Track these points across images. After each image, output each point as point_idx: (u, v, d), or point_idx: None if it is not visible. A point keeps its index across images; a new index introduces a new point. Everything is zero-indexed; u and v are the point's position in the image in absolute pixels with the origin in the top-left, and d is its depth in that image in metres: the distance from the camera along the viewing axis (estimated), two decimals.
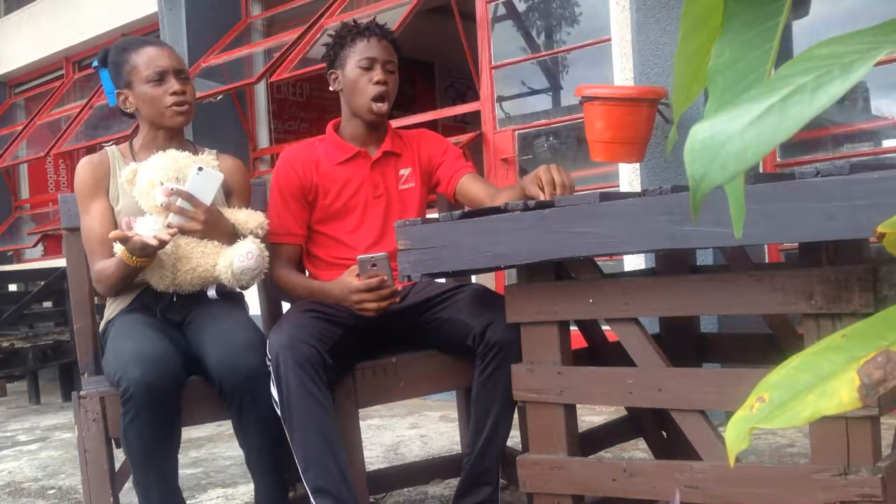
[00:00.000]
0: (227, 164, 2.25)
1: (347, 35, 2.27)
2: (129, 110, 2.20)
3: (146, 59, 2.16)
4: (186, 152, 2.14)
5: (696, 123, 0.53)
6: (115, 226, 2.14)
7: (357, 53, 2.24)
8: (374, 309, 2.06)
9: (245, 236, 2.13)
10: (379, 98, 2.23)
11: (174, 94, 2.14)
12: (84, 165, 2.18)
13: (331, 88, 2.32)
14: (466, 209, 1.92)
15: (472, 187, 2.30)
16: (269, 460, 2.01)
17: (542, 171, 2.04)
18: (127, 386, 1.82)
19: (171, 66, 2.17)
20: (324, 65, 2.34)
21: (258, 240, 2.10)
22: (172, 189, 2.03)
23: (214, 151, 2.29)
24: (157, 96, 2.15)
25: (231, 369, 1.91)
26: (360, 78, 2.23)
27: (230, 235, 2.11)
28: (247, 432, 1.98)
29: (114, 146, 2.25)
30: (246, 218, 2.15)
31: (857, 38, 0.54)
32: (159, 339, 1.93)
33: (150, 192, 2.06)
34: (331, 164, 2.28)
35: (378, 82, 2.21)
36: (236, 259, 2.04)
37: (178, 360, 1.90)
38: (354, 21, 2.33)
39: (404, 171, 2.34)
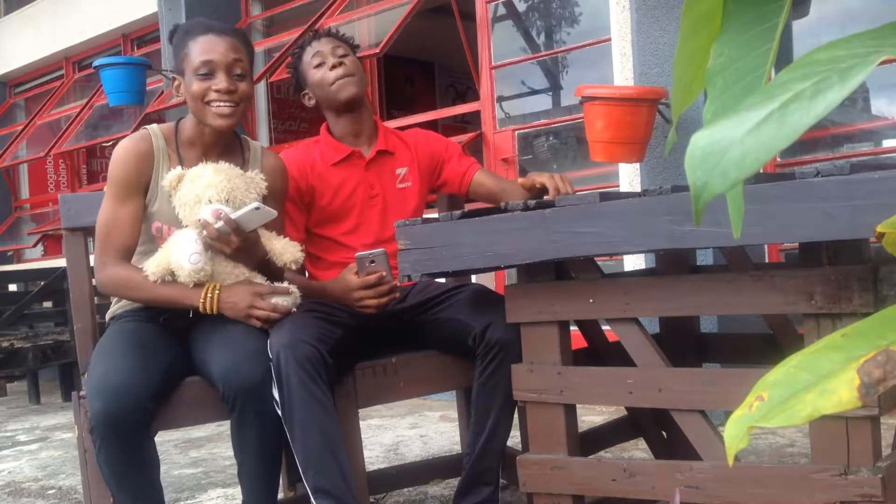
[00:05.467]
0: (269, 162, 2.15)
1: (296, 56, 2.36)
2: (179, 98, 2.07)
3: (200, 49, 2.00)
4: (239, 170, 2.03)
5: (697, 131, 0.54)
6: (143, 228, 2.06)
7: (307, 60, 2.32)
8: (374, 306, 2.07)
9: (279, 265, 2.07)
10: (340, 78, 2.26)
11: (219, 91, 1.98)
12: (129, 153, 2.01)
13: (311, 105, 2.37)
14: (466, 209, 1.92)
15: (484, 183, 2.36)
16: (264, 469, 1.98)
17: (547, 178, 2.13)
18: (91, 417, 1.79)
19: (225, 60, 1.99)
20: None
21: (295, 293, 2.03)
22: (221, 213, 1.93)
23: (259, 147, 2.20)
24: (202, 91, 1.98)
25: (236, 378, 1.87)
26: (317, 75, 2.29)
27: (259, 263, 2.04)
28: (246, 439, 1.94)
29: (157, 127, 2.08)
30: (281, 249, 2.06)
31: (857, 41, 0.54)
32: (130, 365, 1.84)
33: (195, 206, 1.97)
34: (326, 165, 2.29)
35: (333, 66, 2.27)
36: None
37: (146, 389, 1.82)
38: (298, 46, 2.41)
39: (401, 171, 2.34)
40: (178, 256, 1.94)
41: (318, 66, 2.28)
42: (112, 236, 2.01)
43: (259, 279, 2.05)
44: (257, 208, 1.93)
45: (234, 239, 1.94)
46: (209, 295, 1.95)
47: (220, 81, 1.98)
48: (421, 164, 2.37)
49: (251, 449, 1.94)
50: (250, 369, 1.88)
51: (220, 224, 1.92)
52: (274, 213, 1.97)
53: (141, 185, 2.03)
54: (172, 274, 1.96)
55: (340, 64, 2.26)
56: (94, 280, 2.14)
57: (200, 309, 1.95)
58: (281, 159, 2.23)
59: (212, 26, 2.05)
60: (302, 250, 2.10)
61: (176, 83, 2.07)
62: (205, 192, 1.96)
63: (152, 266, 1.96)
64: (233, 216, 1.92)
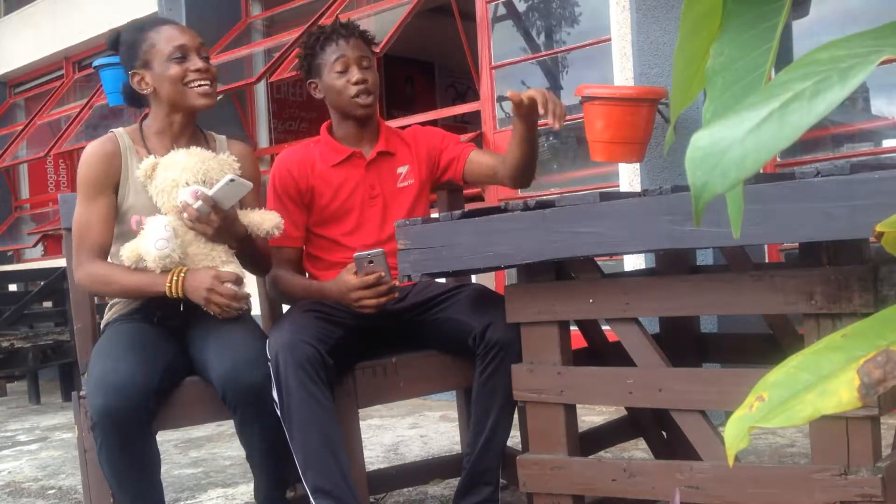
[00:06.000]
0: (237, 150, 2.20)
1: (316, 43, 2.27)
2: (144, 91, 2.10)
3: (167, 36, 2.07)
4: (211, 152, 2.09)
5: (697, 131, 0.54)
6: (116, 224, 2.09)
7: (329, 59, 2.24)
8: (373, 305, 2.06)
9: (261, 237, 2.10)
10: (362, 94, 2.23)
11: (198, 70, 2.06)
12: (95, 154, 2.05)
13: (318, 97, 2.33)
14: (466, 209, 1.92)
15: (480, 161, 2.31)
16: (270, 463, 2.01)
17: (535, 91, 2.02)
18: (92, 414, 1.81)
19: (194, 44, 2.08)
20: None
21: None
22: (199, 192, 1.97)
23: (224, 137, 2.24)
24: (180, 74, 2.05)
25: (236, 383, 1.88)
26: (337, 82, 2.23)
27: (241, 240, 2.07)
28: (249, 437, 1.98)
29: (122, 130, 2.14)
30: (260, 219, 2.09)
31: (857, 41, 0.54)
32: (130, 363, 1.86)
33: (172, 191, 2.00)
34: (326, 165, 2.28)
35: (357, 81, 2.22)
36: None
37: (147, 386, 1.84)
38: (320, 27, 2.32)
39: (402, 170, 2.33)
40: (146, 242, 1.97)
41: (342, 72, 2.22)
42: (85, 235, 2.04)
43: (233, 265, 2.07)
44: (232, 180, 1.97)
45: (214, 218, 1.98)
46: (175, 279, 1.97)
47: (196, 62, 2.06)
48: (421, 161, 2.35)
49: (255, 445, 1.98)
50: (250, 375, 1.89)
51: (199, 204, 1.96)
52: (249, 184, 2.01)
53: (110, 184, 2.06)
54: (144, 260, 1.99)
55: (364, 81, 2.22)
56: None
57: (167, 293, 1.97)
58: (247, 146, 2.27)
59: (164, 20, 2.15)
60: (277, 224, 2.10)
61: (138, 78, 2.09)
62: (181, 176, 2.00)
63: (126, 251, 2.00)
64: (210, 193, 1.96)
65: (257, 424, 1.93)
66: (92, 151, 2.07)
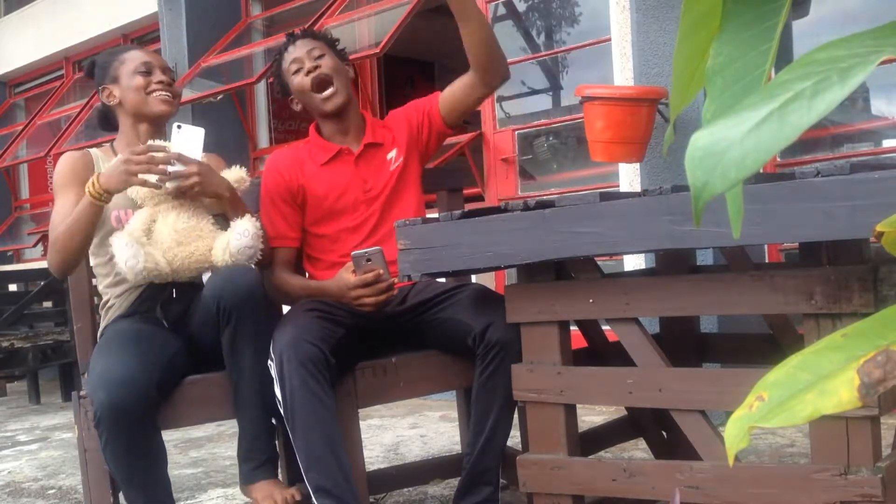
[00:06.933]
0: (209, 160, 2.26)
1: (277, 65, 2.35)
2: (111, 103, 2.24)
3: (135, 55, 2.26)
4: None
5: (697, 131, 0.54)
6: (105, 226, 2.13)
7: (287, 67, 2.30)
8: (372, 303, 2.07)
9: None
10: (319, 85, 2.25)
11: (160, 82, 2.21)
12: (67, 159, 2.18)
13: (298, 110, 2.36)
14: (466, 209, 1.92)
15: (450, 92, 2.30)
16: (259, 391, 2.00)
17: None
18: (96, 410, 1.83)
19: (159, 63, 2.26)
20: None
21: (254, 219, 2.11)
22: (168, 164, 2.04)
23: None
24: (144, 84, 2.20)
25: (230, 287, 1.96)
26: (295, 80, 2.28)
27: (228, 188, 2.12)
28: (239, 353, 1.98)
29: (95, 149, 2.27)
30: (223, 175, 2.17)
31: (857, 41, 0.54)
32: (131, 358, 1.89)
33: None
34: (315, 165, 2.29)
35: (308, 72, 2.25)
36: (233, 238, 2.04)
37: (149, 380, 1.87)
38: (276, 50, 2.39)
39: (391, 155, 2.32)
40: (119, 262, 2.01)
41: (297, 72, 2.27)
42: (58, 223, 2.07)
43: (209, 223, 2.12)
44: (179, 127, 2.07)
45: (192, 168, 2.03)
46: (91, 182, 2.00)
47: (159, 75, 2.23)
48: (405, 139, 2.33)
49: (246, 363, 1.99)
50: (242, 278, 1.97)
51: (174, 167, 2.01)
52: (200, 129, 2.09)
53: (80, 182, 2.12)
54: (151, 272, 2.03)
55: (317, 67, 2.25)
56: (56, 276, 2.18)
57: (91, 198, 1.99)
58: (217, 156, 2.35)
59: (134, 46, 2.34)
60: (239, 178, 2.18)
61: (107, 92, 2.24)
62: None
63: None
64: (172, 149, 2.04)
65: (250, 340, 1.96)
66: (65, 158, 2.20)
